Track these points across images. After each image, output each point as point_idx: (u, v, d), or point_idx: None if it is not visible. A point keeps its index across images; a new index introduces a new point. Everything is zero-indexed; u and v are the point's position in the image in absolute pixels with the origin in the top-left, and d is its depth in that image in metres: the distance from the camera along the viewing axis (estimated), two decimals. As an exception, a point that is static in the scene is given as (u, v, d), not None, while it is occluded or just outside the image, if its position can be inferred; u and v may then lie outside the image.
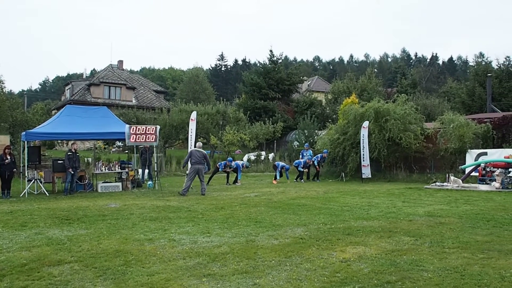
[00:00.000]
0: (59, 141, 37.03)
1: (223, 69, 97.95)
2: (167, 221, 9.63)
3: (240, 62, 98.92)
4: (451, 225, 8.77)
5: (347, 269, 5.88)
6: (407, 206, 11.56)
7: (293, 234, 8.08)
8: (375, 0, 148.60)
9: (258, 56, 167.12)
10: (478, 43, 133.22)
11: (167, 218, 10.03)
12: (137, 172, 19.30)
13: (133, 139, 16.60)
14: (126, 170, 17.57)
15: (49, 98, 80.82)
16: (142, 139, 16.80)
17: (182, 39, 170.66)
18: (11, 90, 68.84)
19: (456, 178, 16.40)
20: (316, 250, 6.90)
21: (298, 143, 29.65)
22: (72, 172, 15.89)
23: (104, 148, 34.59)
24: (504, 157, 16.64)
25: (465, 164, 18.53)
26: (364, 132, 20.04)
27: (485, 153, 18.44)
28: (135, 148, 20.06)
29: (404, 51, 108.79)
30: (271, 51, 44.96)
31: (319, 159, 21.52)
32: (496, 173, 15.75)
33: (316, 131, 29.74)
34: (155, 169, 18.40)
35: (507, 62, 38.66)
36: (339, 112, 27.13)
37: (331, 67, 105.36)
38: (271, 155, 29.86)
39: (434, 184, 16.97)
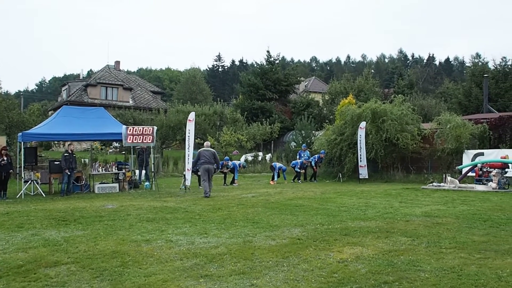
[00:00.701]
0: (56, 142, 36.97)
1: (220, 69, 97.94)
2: (164, 222, 9.61)
3: (237, 63, 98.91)
4: (448, 225, 8.78)
5: (344, 270, 5.88)
6: (404, 206, 11.57)
7: (291, 235, 8.07)
8: (375, 0, 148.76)
9: (255, 56, 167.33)
10: (475, 44, 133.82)
11: (164, 219, 10.02)
12: (134, 173, 19.27)
13: (130, 140, 16.57)
14: (123, 171, 17.53)
15: (46, 98, 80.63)
16: (139, 140, 16.77)
17: (179, 39, 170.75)
18: (7, 91, 68.56)
19: (453, 179, 16.44)
20: (313, 251, 6.89)
21: (295, 144, 29.67)
22: (69, 173, 15.84)
23: (101, 149, 34.53)
24: (501, 158, 16.69)
25: (462, 164, 18.57)
26: (361, 133, 20.06)
27: (482, 154, 18.48)
28: (132, 149, 20.02)
29: (401, 51, 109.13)
30: (268, 51, 45.06)
31: (316, 160, 21.53)
32: (492, 173, 15.79)
33: (313, 131, 29.77)
34: (152, 170, 18.37)
35: (504, 63, 38.84)
36: (336, 113, 27.18)
37: (328, 68, 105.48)
38: (268, 156, 29.86)
39: (431, 184, 17.00)
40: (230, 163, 19.75)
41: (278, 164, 21.39)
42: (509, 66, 37.92)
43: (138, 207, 11.95)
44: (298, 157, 22.08)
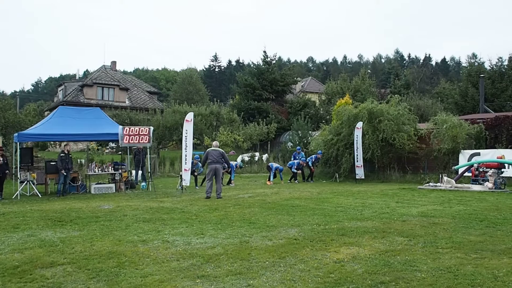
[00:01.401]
0: (52, 143, 36.84)
1: (216, 70, 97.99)
2: (160, 223, 9.59)
3: (233, 63, 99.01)
4: (445, 225, 8.80)
5: (341, 270, 5.88)
6: (401, 206, 11.59)
7: (287, 235, 8.07)
8: (375, 0, 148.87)
9: (252, 57, 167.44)
10: (471, 44, 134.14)
11: (160, 220, 10.00)
12: (131, 173, 19.24)
13: (126, 140, 16.54)
14: (120, 171, 17.50)
15: (42, 99, 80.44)
16: (136, 140, 16.75)
17: (176, 40, 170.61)
18: (3, 91, 68.58)
19: (449, 179, 16.47)
20: (310, 251, 6.89)
21: (292, 144, 29.68)
22: (65, 174, 15.80)
23: (97, 149, 34.45)
24: (497, 158, 16.73)
25: (458, 164, 18.61)
26: (357, 133, 20.09)
27: (478, 154, 18.52)
28: (128, 149, 19.99)
29: (397, 52, 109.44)
30: (264, 52, 45.09)
31: (313, 160, 21.55)
32: (489, 173, 15.83)
33: (310, 132, 29.79)
34: (149, 170, 18.34)
35: (500, 63, 38.93)
36: (332, 113, 27.18)
37: (324, 68, 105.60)
38: (265, 156, 29.88)
39: (427, 184, 17.03)
40: None
41: (275, 165, 21.39)
42: (505, 67, 38.02)
43: (135, 208, 11.93)
44: (292, 158, 22.11)
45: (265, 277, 5.67)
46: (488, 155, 17.94)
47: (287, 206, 11.92)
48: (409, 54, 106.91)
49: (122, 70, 61.42)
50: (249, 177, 23.70)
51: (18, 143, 16.40)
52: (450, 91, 44.17)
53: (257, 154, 30.77)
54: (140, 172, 19.32)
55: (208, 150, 15.30)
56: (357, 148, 20.19)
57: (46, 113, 46.63)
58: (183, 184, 16.12)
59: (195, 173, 18.81)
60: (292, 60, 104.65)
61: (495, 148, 18.64)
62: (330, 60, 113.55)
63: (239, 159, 28.09)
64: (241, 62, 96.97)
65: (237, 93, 46.42)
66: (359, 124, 20.20)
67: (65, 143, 18.60)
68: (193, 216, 10.45)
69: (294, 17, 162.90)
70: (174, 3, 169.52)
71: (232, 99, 49.49)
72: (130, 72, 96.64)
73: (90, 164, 18.84)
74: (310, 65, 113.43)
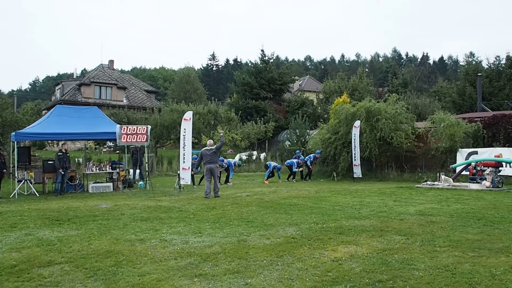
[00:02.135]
0: (50, 142, 36.81)
1: (214, 69, 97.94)
2: (158, 221, 9.59)
3: (231, 62, 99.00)
4: (442, 224, 8.81)
5: (338, 268, 5.89)
6: (399, 205, 11.60)
7: (285, 234, 8.07)
8: (376, 0, 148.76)
9: (250, 55, 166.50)
10: (469, 43, 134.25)
11: (158, 218, 9.99)
12: (128, 172, 19.22)
13: (124, 139, 16.52)
14: (117, 170, 17.48)
15: (39, 98, 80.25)
16: (133, 139, 16.73)
17: (173, 39, 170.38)
18: (0, 90, 68.28)
19: (447, 177, 16.48)
20: (307, 250, 6.90)
21: (289, 143, 29.69)
22: (63, 173, 15.77)
23: (95, 149, 34.41)
24: (495, 156, 16.76)
25: (455, 163, 18.63)
26: (355, 132, 20.10)
27: (476, 152, 18.55)
28: (126, 148, 19.98)
29: (395, 50, 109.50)
30: (262, 50, 45.06)
31: (311, 159, 21.56)
32: (486, 172, 15.85)
33: (308, 130, 29.80)
34: (146, 169, 18.33)
35: (497, 62, 38.99)
36: (330, 112, 27.21)
37: (322, 67, 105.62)
38: (262, 155, 29.88)
39: (425, 183, 17.05)
40: (225, 162, 19.72)
41: (273, 163, 21.39)
42: (503, 65, 38.07)
43: (132, 207, 11.92)
44: (293, 158, 22.07)
45: (263, 275, 5.67)
46: (486, 153, 17.97)
47: (285, 205, 11.92)
48: (407, 52, 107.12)
49: (119, 69, 61.22)
50: (247, 176, 23.71)
51: (15, 142, 16.37)
52: (448, 90, 44.23)
53: (255, 153, 30.78)
54: (137, 171, 19.31)
55: (201, 151, 15.24)
56: (355, 146, 20.21)
57: (43, 112, 46.53)
58: (182, 182, 16.11)
59: (192, 172, 18.78)
60: (290, 59, 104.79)
61: (492, 146, 18.66)
62: (328, 59, 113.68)
63: (237, 157, 28.09)
64: (239, 61, 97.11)
65: (235, 92, 46.41)
66: (357, 123, 20.21)
67: (62, 142, 18.58)
68: (190, 215, 10.45)
69: (292, 16, 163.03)
70: (172, 2, 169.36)
71: (230, 98, 49.46)
72: (128, 71, 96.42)
73: (87, 163, 18.81)
74: (308, 64, 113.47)
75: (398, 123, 20.59)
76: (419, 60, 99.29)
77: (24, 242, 7.69)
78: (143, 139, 16.88)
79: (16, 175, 16.23)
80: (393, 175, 20.88)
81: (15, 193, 15.45)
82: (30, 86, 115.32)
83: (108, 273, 5.79)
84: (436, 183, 16.58)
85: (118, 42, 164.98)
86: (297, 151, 23.68)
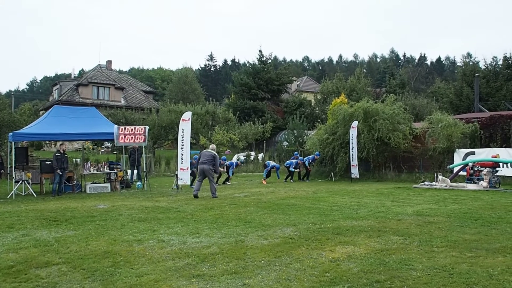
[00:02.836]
0: (47, 142, 36.73)
1: (212, 69, 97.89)
2: (156, 222, 9.58)
3: (229, 62, 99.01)
4: (440, 224, 8.82)
5: (336, 269, 5.89)
6: (396, 205, 11.61)
7: (283, 234, 8.07)
8: (371, 0, 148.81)
9: (248, 56, 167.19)
10: (466, 44, 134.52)
11: (156, 219, 9.98)
12: (126, 172, 19.20)
13: (122, 139, 16.51)
14: (115, 171, 17.46)
15: (37, 98, 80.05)
16: (131, 140, 16.72)
17: (171, 39, 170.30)
18: (-2, 91, 68.09)
19: (444, 178, 16.51)
20: (305, 250, 6.90)
21: (287, 143, 29.69)
22: (60, 173, 15.74)
23: (93, 149, 34.36)
24: (492, 157, 16.79)
25: (453, 163, 18.66)
26: (353, 132, 20.11)
27: (473, 153, 18.59)
28: (123, 149, 19.95)
29: (392, 51, 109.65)
30: (260, 51, 45.10)
31: (310, 160, 21.59)
32: (483, 172, 15.89)
33: (306, 131, 29.81)
34: (144, 170, 18.31)
35: (494, 62, 39.09)
36: (328, 112, 27.24)
37: (320, 67, 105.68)
38: (260, 155, 29.87)
39: (422, 183, 17.07)
40: (227, 162, 19.77)
41: (271, 163, 21.40)
42: (500, 66, 38.19)
43: (130, 207, 11.90)
44: (292, 158, 22.05)
45: (261, 276, 5.66)
46: (483, 154, 18.01)
47: (283, 205, 11.93)
48: (404, 53, 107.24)
49: (117, 70, 61.29)
50: (244, 177, 23.70)
51: (13, 143, 16.33)
52: (445, 90, 44.32)
53: (252, 153, 30.79)
54: (135, 171, 19.29)
55: (203, 151, 15.32)
56: (353, 147, 20.22)
57: (41, 112, 46.46)
58: (179, 183, 16.10)
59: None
60: (288, 60, 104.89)
61: (489, 147, 18.71)
62: (326, 60, 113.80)
63: (234, 158, 28.07)
64: (237, 61, 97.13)
65: (232, 92, 46.41)
66: (354, 123, 20.23)
67: (60, 142, 18.53)
68: (188, 216, 10.44)
69: (289, 16, 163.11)
70: (170, 2, 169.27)
71: (227, 98, 49.49)
72: (126, 71, 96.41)
73: (85, 163, 18.78)
74: (306, 65, 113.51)
75: (396, 123, 20.62)
76: (416, 60, 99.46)
77: (21, 242, 7.67)
78: (141, 140, 16.87)
79: (13, 175, 16.19)
80: (391, 176, 20.91)
81: (12, 194, 15.41)
82: (27, 87, 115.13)
83: (106, 274, 5.78)
84: (433, 183, 16.60)
85: (116, 42, 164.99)
86: (295, 152, 23.67)
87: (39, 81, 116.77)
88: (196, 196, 13.91)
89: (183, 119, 16.41)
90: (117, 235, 8.21)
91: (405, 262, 6.12)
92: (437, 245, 7.07)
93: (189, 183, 16.76)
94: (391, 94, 23.36)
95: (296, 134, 29.24)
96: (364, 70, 65.90)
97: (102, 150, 35.11)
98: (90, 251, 6.98)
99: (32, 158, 24.51)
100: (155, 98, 52.94)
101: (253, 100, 41.61)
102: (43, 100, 69.06)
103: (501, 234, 7.79)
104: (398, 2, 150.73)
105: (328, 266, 6.04)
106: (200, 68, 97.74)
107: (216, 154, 14.67)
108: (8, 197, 15.26)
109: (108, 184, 17.07)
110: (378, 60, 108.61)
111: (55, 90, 48.20)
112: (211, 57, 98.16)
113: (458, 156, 19.04)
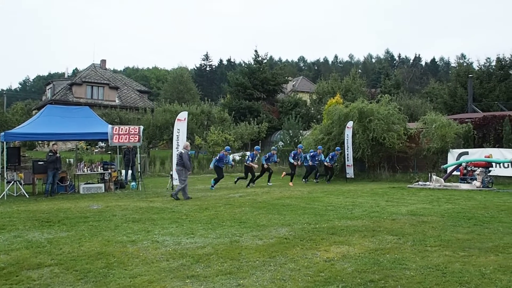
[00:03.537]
0: (40, 142, 36.54)
1: (208, 69, 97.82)
2: (150, 223, 9.54)
3: (225, 62, 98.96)
4: (433, 223, 8.85)
5: (330, 269, 5.90)
6: (391, 205, 11.64)
7: (278, 234, 8.07)
8: (368, 1, 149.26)
9: (243, 56, 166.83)
10: (461, 45, 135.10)
11: (150, 220, 9.94)
12: (120, 173, 19.12)
13: (116, 139, 16.44)
14: (109, 171, 17.38)
15: (30, 98, 79.55)
16: (125, 140, 16.65)
17: (167, 38, 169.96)
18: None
19: (438, 178, 16.56)
20: (300, 250, 6.90)
21: (283, 143, 29.70)
22: (53, 173, 15.63)
23: (87, 149, 34.22)
24: (485, 157, 16.87)
25: (447, 163, 18.73)
26: (348, 132, 20.14)
27: (466, 153, 18.67)
28: (118, 149, 19.87)
29: (387, 52, 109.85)
30: (256, 51, 45.12)
31: (331, 157, 20.20)
32: (477, 172, 15.96)
33: (301, 131, 29.84)
34: (139, 170, 18.24)
35: (488, 64, 39.33)
36: (323, 112, 27.26)
37: (315, 68, 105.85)
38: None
39: (417, 183, 17.12)
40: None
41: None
42: (493, 67, 38.41)
43: (124, 208, 11.85)
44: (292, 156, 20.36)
45: (255, 276, 5.66)
46: (476, 154, 18.09)
47: (278, 205, 11.92)
48: (399, 54, 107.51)
49: (112, 69, 61.05)
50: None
51: (5, 143, 16.22)
52: (439, 91, 44.53)
53: (248, 153, 30.73)
54: (130, 171, 19.21)
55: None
56: (348, 147, 20.24)
57: (34, 112, 46.24)
58: (174, 183, 16.05)
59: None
60: (284, 60, 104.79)
61: (483, 147, 18.80)
62: (321, 60, 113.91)
63: (229, 158, 28.03)
64: (233, 61, 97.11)
65: (228, 92, 46.40)
66: (350, 124, 20.25)
67: (53, 142, 18.43)
68: (183, 216, 10.41)
69: (286, 16, 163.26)
70: (165, 1, 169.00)
71: (223, 98, 49.47)
72: (120, 70, 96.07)
73: (79, 163, 18.68)
74: (302, 65, 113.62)
75: (391, 123, 20.66)
76: (411, 61, 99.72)
77: (13, 244, 7.61)
78: (135, 140, 16.81)
79: (5, 176, 16.07)
80: (385, 176, 20.95)
81: (4, 194, 15.29)
82: (20, 86, 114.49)
83: (99, 275, 5.75)
84: (427, 183, 16.65)
85: (110, 41, 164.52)
86: (300, 145, 21.92)
87: (32, 80, 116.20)
88: (187, 198, 13.85)
89: (178, 119, 16.36)
90: (110, 236, 8.17)
91: (399, 261, 6.14)
92: (430, 244, 7.08)
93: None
94: (386, 95, 23.41)
95: (291, 134, 29.26)
96: (360, 71, 66.12)
97: (96, 150, 34.98)
98: (83, 252, 6.94)
99: (25, 158, 24.36)
100: (150, 97, 52.82)
101: (249, 100, 41.63)
102: (36, 100, 68.66)
103: (494, 233, 7.82)
104: (393, 2, 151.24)
105: (322, 266, 6.05)
106: (195, 68, 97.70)
107: (184, 151, 14.39)
108: None
109: (102, 185, 16.99)
110: (373, 60, 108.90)
111: (48, 89, 47.94)
112: (206, 57, 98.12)
113: (452, 156, 19.11)
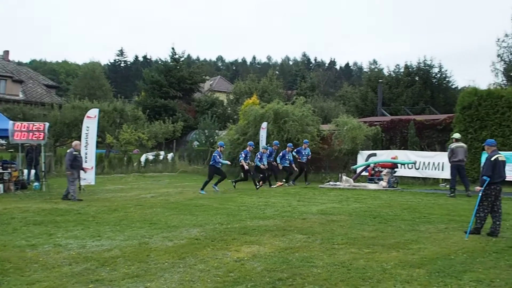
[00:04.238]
0: None
1: (122, 65, 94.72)
2: (53, 225, 8.99)
3: (140, 59, 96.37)
4: (342, 222, 9.17)
5: (240, 268, 5.90)
6: (302, 205, 11.91)
7: (189, 235, 7.96)
8: (281, 2, 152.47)
9: (160, 53, 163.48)
10: (373, 51, 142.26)
11: (53, 222, 9.37)
12: (22, 172, 17.88)
13: (17, 136, 15.38)
14: (9, 170, 16.17)
15: None
16: (28, 137, 15.61)
17: (78, 31, 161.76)
18: None
19: (348, 178, 17.23)
20: (211, 251, 6.85)
21: (198, 143, 29.47)
22: None
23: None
24: (391, 158, 17.79)
25: (356, 164, 19.56)
26: (263, 133, 20.37)
27: (375, 154, 19.57)
28: (20, 147, 18.58)
29: (304, 55, 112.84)
30: (173, 48, 44.48)
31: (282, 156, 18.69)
32: (383, 173, 16.80)
33: (217, 131, 29.78)
34: (43, 170, 17.17)
35: (397, 70, 41.60)
36: (240, 113, 27.40)
37: (234, 68, 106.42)
38: (170, 155, 29.32)
39: (328, 183, 17.68)
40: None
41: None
42: (401, 73, 40.72)
43: (25, 210, 11.05)
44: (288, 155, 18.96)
45: (163, 278, 5.56)
46: (384, 155, 19.01)
47: (190, 206, 11.78)
48: (316, 57, 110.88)
49: (16, 61, 57.09)
50: (152, 177, 23.06)
51: None
52: (352, 95, 46.37)
53: (162, 153, 30.14)
54: (33, 171, 18.03)
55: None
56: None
57: None
58: (82, 183, 15.30)
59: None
60: (202, 59, 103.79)
61: (390, 149, 19.82)
62: (240, 60, 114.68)
63: (143, 158, 27.35)
64: (149, 58, 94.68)
65: (143, 89, 45.23)
66: (264, 124, 20.49)
67: None
68: (90, 218, 9.94)
69: (204, 15, 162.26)
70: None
71: (137, 96, 48.12)
72: (26, 63, 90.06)
73: (-25, 162, 17.20)
74: (220, 64, 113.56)
75: (305, 125, 21.17)
76: (326, 65, 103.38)
77: None
78: (40, 137, 15.81)
79: None
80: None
81: None
82: None
83: (-9, 283, 5.30)
84: (338, 183, 17.27)
85: (14, 31, 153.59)
86: (289, 144, 19.33)
87: None
88: (65, 198, 13.23)
89: (88, 116, 15.65)
90: (7, 240, 7.59)
91: (307, 259, 6.28)
92: (337, 242, 7.33)
93: (93, 183, 15.99)
94: (301, 97, 23.99)
95: (207, 134, 29.11)
96: (277, 72, 67.48)
97: (-3, 148, 32.49)
98: (-26, 258, 6.37)
99: None
100: (58, 93, 50.08)
101: (164, 98, 40.86)
102: None
103: (396, 231, 8.26)
104: (313, 7, 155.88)
105: (232, 266, 6.04)
106: (109, 64, 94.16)
107: (69, 151, 13.72)
108: None
109: (1, 185, 15.76)
110: (291, 63, 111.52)
111: None
112: (121, 53, 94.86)
113: (362, 157, 19.95)
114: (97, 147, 17.18)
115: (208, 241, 7.49)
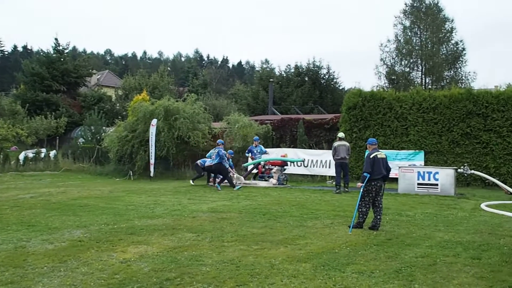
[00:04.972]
0: None
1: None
2: None
3: (20, 49, 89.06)
4: (232, 219, 9.27)
5: (126, 270, 5.72)
6: (192, 203, 11.84)
7: (71, 237, 7.54)
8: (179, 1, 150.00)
9: (42, 44, 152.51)
10: (264, 50, 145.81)
11: None
12: None
13: None
14: None
15: None
16: None
17: None
18: None
19: (238, 175, 17.46)
20: (95, 253, 6.55)
21: (83, 140, 27.98)
22: None
23: None
24: (281, 156, 18.37)
25: (247, 162, 19.91)
26: (152, 130, 19.91)
27: (265, 152, 20.07)
28: None
29: (197, 52, 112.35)
30: (56, 39, 41.59)
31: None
32: (273, 170, 17.29)
33: (104, 127, 28.50)
34: None
35: (288, 70, 43.04)
36: (129, 109, 26.52)
37: (123, 62, 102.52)
38: (52, 153, 27.47)
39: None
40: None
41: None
42: (292, 73, 42.20)
43: None
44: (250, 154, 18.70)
45: (42, 284, 5.25)
46: (274, 153, 19.60)
47: (74, 206, 11.14)
48: (208, 55, 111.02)
49: None
50: (33, 176, 21.46)
51: None
52: (244, 93, 47.13)
53: (43, 150, 28.14)
54: None
55: None
56: (152, 145, 20.02)
57: None
58: None
59: None
60: (89, 51, 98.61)
61: (280, 147, 20.50)
62: (130, 55, 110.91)
63: (21, 155, 25.32)
64: (29, 48, 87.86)
65: (22, 82, 41.87)
66: (154, 121, 20.04)
67: None
68: (-44, 221, 8.98)
69: (91, 4, 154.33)
70: None
71: (16, 88, 44.42)
72: None
73: None
74: (108, 58, 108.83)
75: (196, 122, 21.09)
76: (219, 63, 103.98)
77: None
78: None
79: None
80: (190, 174, 21.25)
81: None
82: None
83: None
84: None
85: None
86: (256, 137, 19.10)
87: None
88: None
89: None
90: None
91: (196, 258, 6.25)
92: (227, 240, 7.39)
93: None
94: (192, 94, 23.85)
95: (93, 131, 27.71)
96: (169, 68, 66.39)
97: None
98: None
99: None
100: None
101: (47, 92, 38.20)
102: None
103: (284, 227, 8.54)
104: (206, 5, 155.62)
105: (118, 267, 5.83)
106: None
107: None
108: None
109: None
110: (183, 59, 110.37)
111: None
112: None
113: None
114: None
115: (92, 242, 7.14)
